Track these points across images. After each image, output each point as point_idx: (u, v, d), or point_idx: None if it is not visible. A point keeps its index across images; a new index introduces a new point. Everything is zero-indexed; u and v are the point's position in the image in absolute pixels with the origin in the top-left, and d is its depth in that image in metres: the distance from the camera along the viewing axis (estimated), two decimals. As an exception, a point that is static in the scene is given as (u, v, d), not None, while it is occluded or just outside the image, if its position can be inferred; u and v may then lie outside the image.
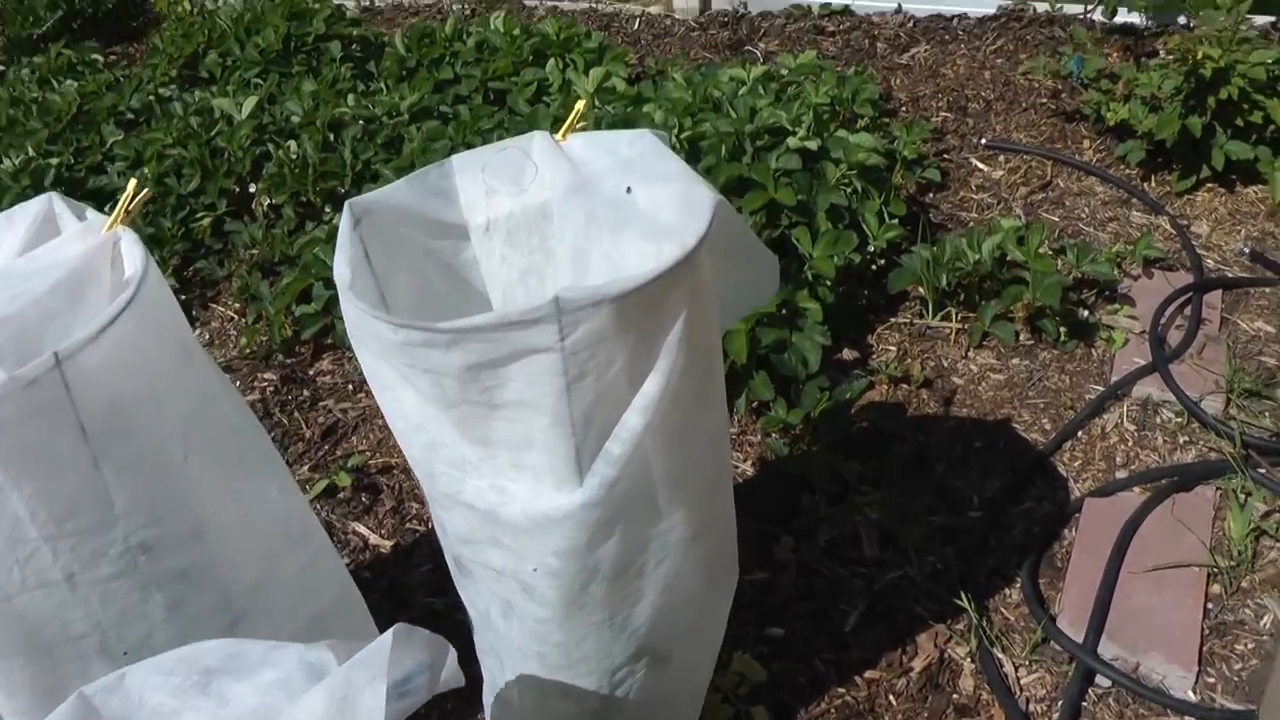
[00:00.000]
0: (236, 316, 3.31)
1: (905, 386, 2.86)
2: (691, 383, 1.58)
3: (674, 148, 3.08)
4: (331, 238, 3.02)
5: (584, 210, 1.66)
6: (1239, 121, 3.25)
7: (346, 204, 1.65)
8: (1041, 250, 2.92)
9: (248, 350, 3.09)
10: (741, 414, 2.75)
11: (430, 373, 1.51)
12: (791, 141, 3.14)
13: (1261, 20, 3.70)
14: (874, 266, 3.13)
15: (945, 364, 2.92)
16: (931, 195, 3.51)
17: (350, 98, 3.61)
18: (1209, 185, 3.42)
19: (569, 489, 1.58)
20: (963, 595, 2.37)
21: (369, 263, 1.68)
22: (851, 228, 3.07)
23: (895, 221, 3.13)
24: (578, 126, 1.79)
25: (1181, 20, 4.06)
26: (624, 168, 1.68)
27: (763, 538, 2.54)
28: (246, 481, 1.79)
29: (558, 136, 1.77)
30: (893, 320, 3.06)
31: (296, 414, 2.94)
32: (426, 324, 1.43)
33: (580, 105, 1.81)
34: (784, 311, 2.78)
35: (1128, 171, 3.51)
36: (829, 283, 2.88)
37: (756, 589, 2.44)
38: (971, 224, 3.38)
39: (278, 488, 1.84)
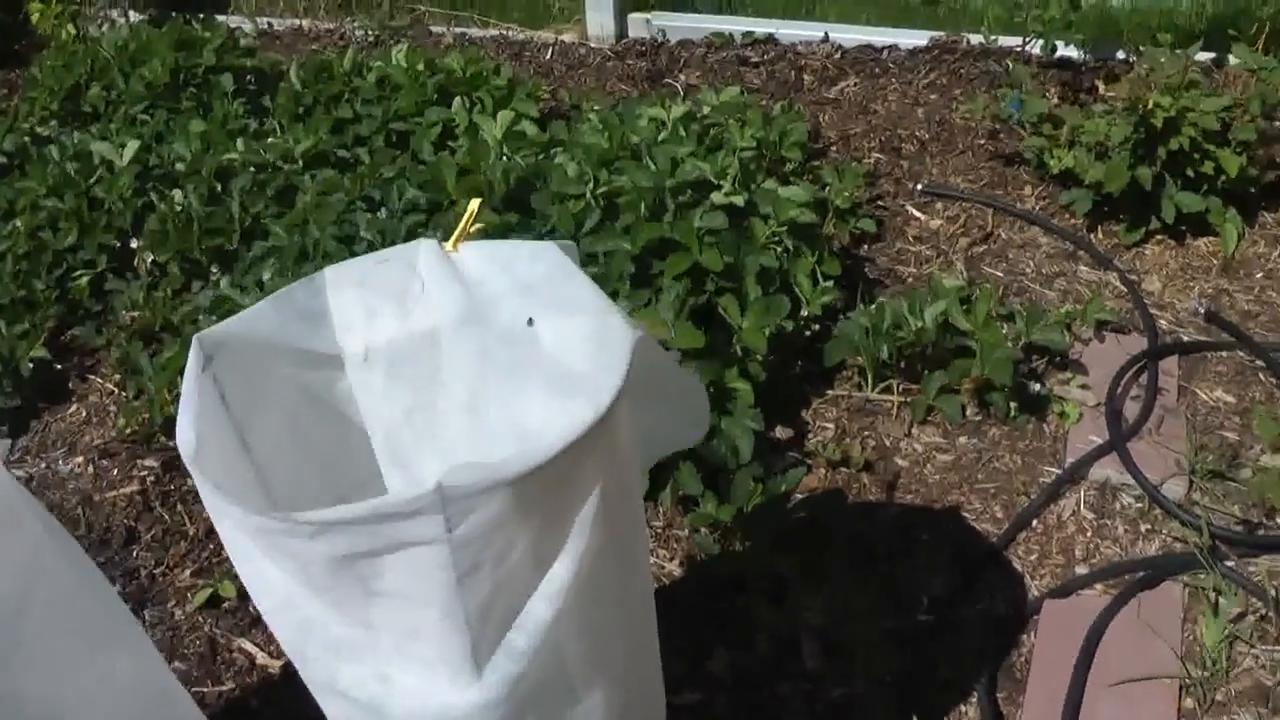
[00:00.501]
0: (117, 390, 3.00)
1: (845, 470, 2.62)
2: (610, 559, 1.32)
3: (588, 205, 2.83)
4: (216, 307, 2.73)
5: (478, 345, 1.40)
6: (1189, 172, 3.06)
7: (195, 340, 1.38)
8: (989, 317, 2.69)
9: (127, 431, 2.78)
10: (667, 506, 2.51)
11: (295, 558, 1.25)
12: (716, 197, 2.90)
13: (1203, 57, 3.50)
14: (808, 333, 2.89)
15: (888, 443, 2.69)
16: (866, 247, 3.29)
17: (240, 141, 3.31)
18: (1158, 237, 3.23)
19: (465, 683, 1.32)
20: (913, 717, 2.13)
21: (225, 406, 1.40)
22: (783, 290, 2.84)
23: (829, 284, 2.90)
24: (471, 230, 1.53)
25: (1120, 55, 3.86)
26: (525, 291, 1.42)
27: (695, 650, 2.29)
28: (91, 659, 1.51)
29: (448, 246, 1.50)
30: (829, 393, 2.82)
31: (180, 507, 2.65)
32: (285, 515, 1.17)
33: (473, 205, 1.55)
34: (712, 392, 2.53)
35: (1073, 221, 3.31)
36: (760, 358, 2.63)
37: (691, 715, 2.19)
38: (910, 278, 3.16)
39: (130, 658, 1.57)
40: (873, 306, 2.87)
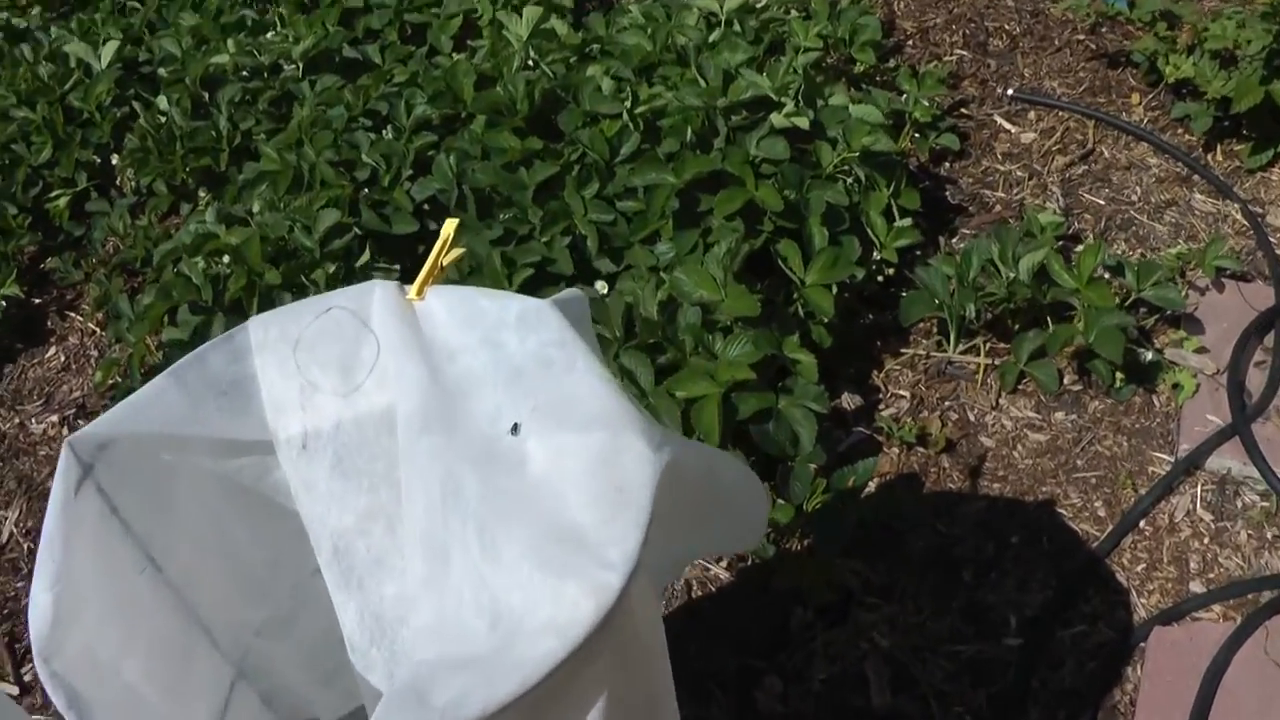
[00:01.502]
0: (98, 331, 2.65)
1: (922, 451, 2.24)
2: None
3: (625, 128, 2.41)
4: (199, 247, 2.35)
5: (441, 464, 1.02)
6: (1333, 87, 2.58)
7: (65, 445, 1.02)
8: (1097, 273, 2.27)
9: (104, 387, 2.44)
10: (714, 497, 2.13)
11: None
12: (776, 119, 2.47)
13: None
14: (881, 278, 2.49)
15: (972, 416, 2.30)
16: (949, 166, 2.85)
17: (232, 42, 2.88)
18: (1289, 160, 2.76)
19: None
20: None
21: (119, 521, 1.04)
22: (853, 230, 2.43)
23: (907, 222, 2.48)
24: (445, 265, 1.14)
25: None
26: (511, 378, 1.05)
27: (743, 677, 1.95)
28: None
29: (411, 292, 1.12)
30: (904, 352, 2.43)
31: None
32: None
33: (448, 230, 1.16)
34: (768, 367, 2.15)
35: (1188, 138, 2.84)
36: (827, 322, 2.24)
37: (733, 766, 1.86)
38: (998, 206, 2.73)
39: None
40: (956, 255, 2.45)
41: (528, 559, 0.92)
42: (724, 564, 2.12)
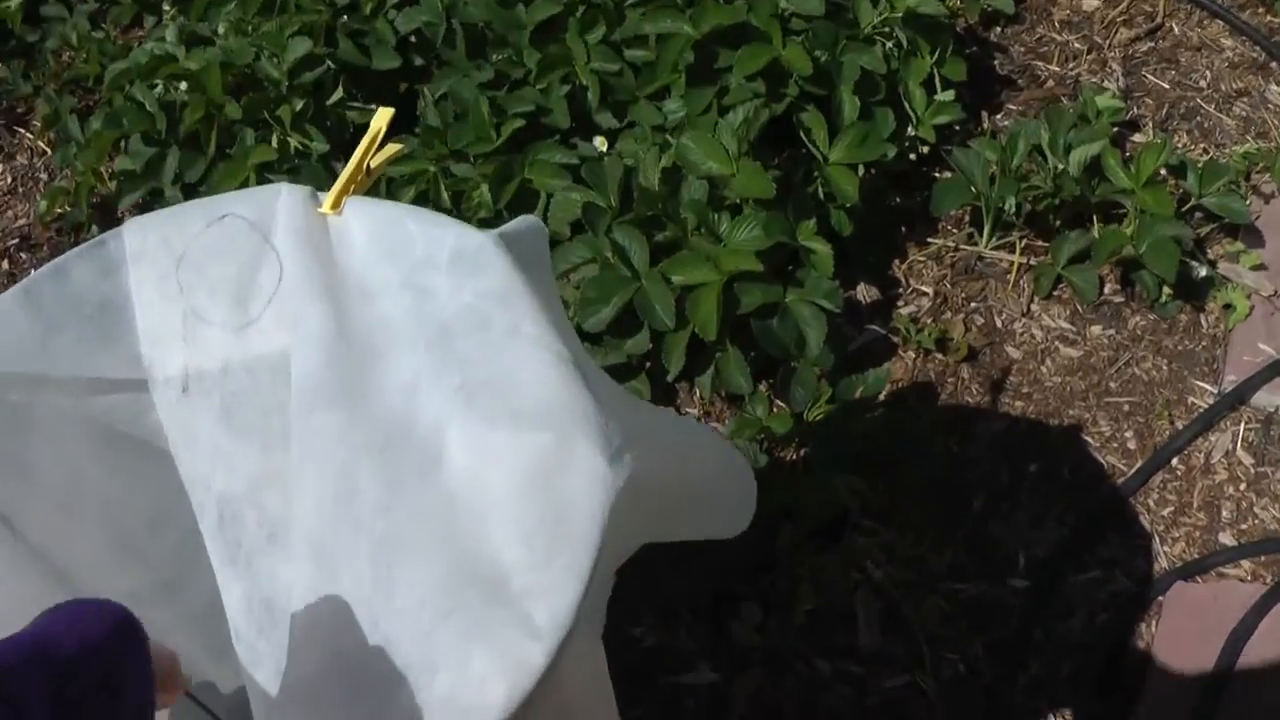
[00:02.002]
0: (50, 151, 2.41)
1: (940, 358, 2.02)
2: None
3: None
4: (152, 71, 2.09)
5: (337, 452, 0.80)
6: None
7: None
8: (1158, 175, 2.02)
9: (49, 218, 2.21)
10: (706, 394, 1.93)
11: None
12: (813, -32, 2.17)
13: None
14: (913, 156, 2.22)
15: (999, 322, 2.08)
16: (999, 31, 2.55)
17: None
18: (1381, 53, 2.46)
19: None
20: (991, 732, 1.63)
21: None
22: (886, 103, 2.16)
23: (950, 96, 2.21)
24: (373, 165, 0.91)
25: None
26: (438, 338, 0.81)
27: (719, 603, 1.77)
28: None
29: (325, 204, 0.88)
30: (931, 242, 2.19)
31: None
32: None
33: (382, 119, 0.92)
34: (778, 253, 1.91)
35: (1270, 20, 2.54)
36: (848, 207, 1.99)
37: (699, 704, 1.69)
38: (1050, 82, 2.45)
39: None
40: (1000, 136, 2.19)
41: (429, 605, 0.71)
42: (711, 470, 1.91)
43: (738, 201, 1.93)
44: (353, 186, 0.91)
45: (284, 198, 0.90)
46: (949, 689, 1.72)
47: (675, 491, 0.90)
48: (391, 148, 0.94)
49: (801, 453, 1.88)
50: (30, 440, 0.90)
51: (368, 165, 0.92)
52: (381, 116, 0.93)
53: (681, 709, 1.70)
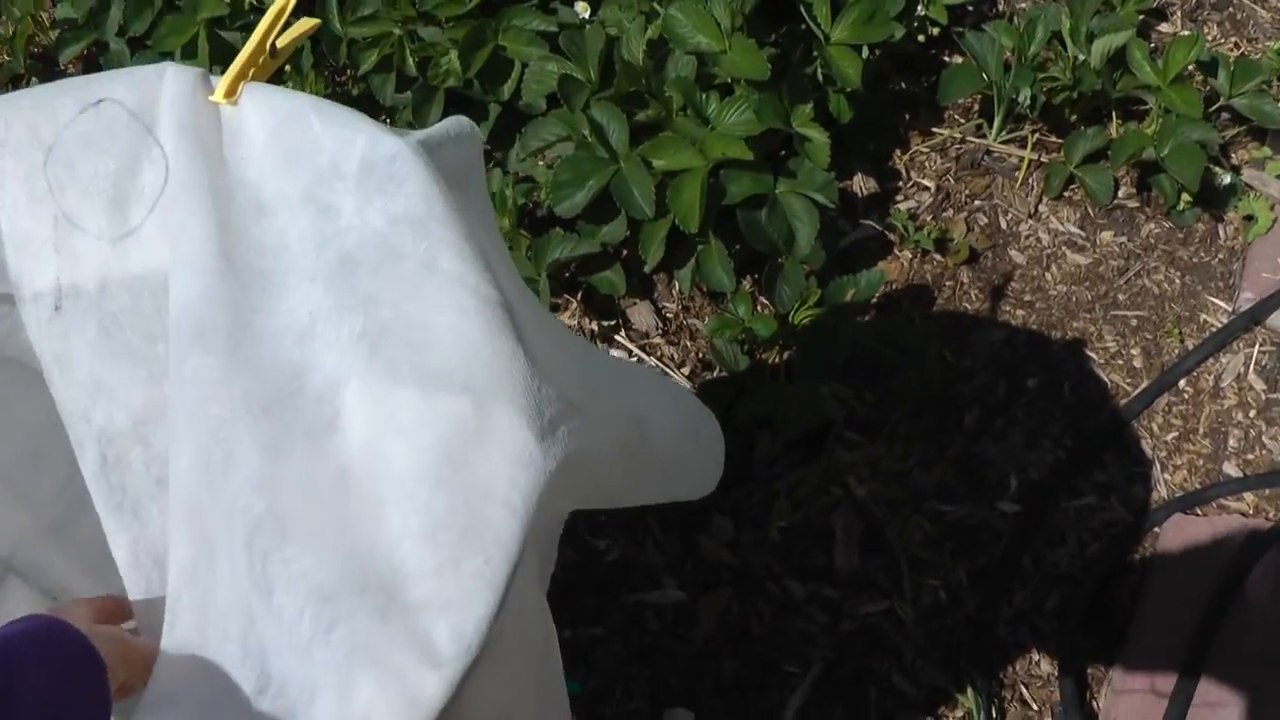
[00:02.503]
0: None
1: (939, 260, 1.87)
2: None
3: None
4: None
5: (214, 406, 0.65)
6: None
7: None
8: (1186, 71, 1.84)
9: (-12, 62, 2.03)
10: (685, 289, 1.78)
11: None
12: None
13: None
14: (922, 38, 2.04)
15: (1004, 223, 1.92)
16: (1022, -99, 2.34)
17: None
18: None
19: None
20: (969, 665, 1.52)
21: None
22: (898, -25, 1.96)
23: (965, -29, 2.01)
24: (276, 46, 0.75)
25: None
26: (338, 268, 0.66)
27: (688, 516, 1.64)
28: None
29: (218, 90, 0.72)
30: (936, 132, 2.01)
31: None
32: None
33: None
34: (769, 139, 1.75)
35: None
36: (849, 91, 1.81)
37: (663, 623, 1.57)
38: (1073, -40, 2.23)
39: None
40: (1018, 20, 2.00)
41: (310, 612, 0.57)
42: (684, 369, 1.77)
43: (728, 81, 1.76)
44: (252, 70, 0.75)
45: (170, 80, 0.73)
46: (928, 617, 1.60)
47: (629, 461, 0.76)
48: (304, 22, 0.78)
49: (784, 356, 1.74)
50: None
51: (273, 45, 0.76)
52: (284, -7, 0.76)
53: (644, 628, 1.58)
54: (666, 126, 1.72)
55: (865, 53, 1.86)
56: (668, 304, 1.82)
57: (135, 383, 0.76)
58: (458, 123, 0.73)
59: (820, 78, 1.85)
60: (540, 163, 1.79)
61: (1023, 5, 2.16)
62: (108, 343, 0.75)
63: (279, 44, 0.77)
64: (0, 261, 0.76)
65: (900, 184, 1.97)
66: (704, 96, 1.72)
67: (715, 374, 1.76)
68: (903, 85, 2.04)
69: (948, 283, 1.87)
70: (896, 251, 1.89)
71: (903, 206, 1.94)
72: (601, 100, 1.70)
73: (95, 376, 0.75)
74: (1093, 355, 1.80)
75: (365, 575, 0.58)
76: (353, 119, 0.70)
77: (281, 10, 0.76)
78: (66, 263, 0.74)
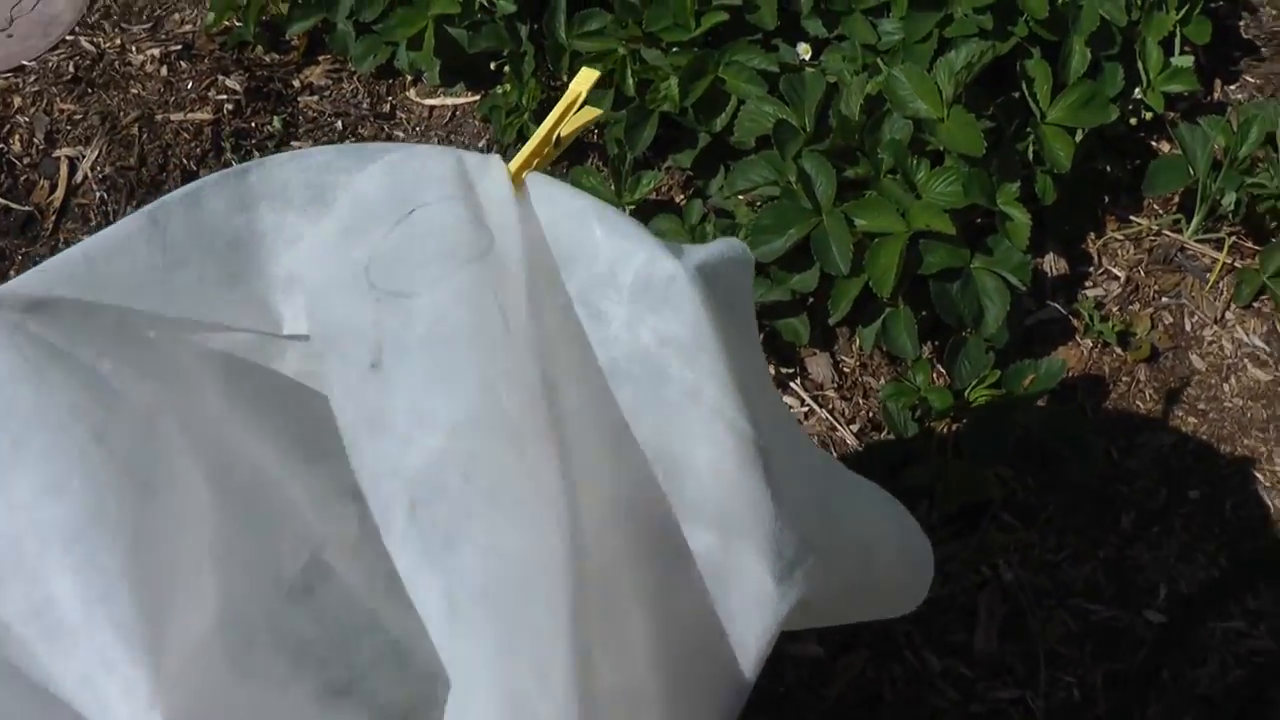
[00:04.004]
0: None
1: (1118, 353, 1.81)
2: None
3: None
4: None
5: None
6: None
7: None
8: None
9: (217, 29, 2.07)
10: (867, 347, 1.75)
11: None
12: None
13: None
14: (1134, 121, 1.98)
15: (1189, 324, 1.85)
16: (1252, -9, 2.26)
17: None
18: None
19: None
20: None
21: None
22: (1119, 59, 1.91)
23: (1189, 61, 1.95)
24: (564, 135, 0.76)
25: None
26: (605, 375, 0.65)
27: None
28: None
29: (509, 169, 0.72)
30: (1135, 220, 1.95)
31: (256, 155, 1.97)
32: None
33: (584, 81, 0.75)
34: (971, 216, 1.71)
35: None
36: (1056, 175, 1.77)
37: (799, 676, 1.56)
38: (1298, 60, 2.16)
39: None
40: (1232, 118, 1.93)
41: None
42: (854, 426, 1.75)
43: (940, 149, 1.72)
44: (536, 160, 0.74)
45: (477, 163, 0.73)
46: (1059, 713, 1.56)
47: (846, 589, 0.75)
48: (588, 112, 0.77)
49: (953, 429, 1.70)
50: (161, 377, 0.75)
51: (558, 135, 0.75)
52: (583, 79, 0.75)
53: (782, 678, 1.57)
54: (873, 186, 1.69)
55: (1079, 135, 1.81)
56: (846, 358, 1.79)
57: (466, 391, 0.67)
58: (731, 246, 0.72)
59: (1030, 155, 1.80)
60: (741, 202, 1.78)
61: (1238, 95, 2.08)
62: (433, 370, 0.69)
63: (563, 133, 0.76)
64: (266, 302, 0.76)
65: (1090, 269, 1.92)
66: (914, 162, 1.69)
67: (883, 435, 1.73)
68: (1107, 168, 1.98)
69: (1124, 378, 1.81)
70: (1078, 339, 1.84)
71: (1090, 293, 1.88)
72: (813, 152, 1.68)
73: (417, 410, 0.68)
74: (1260, 476, 1.73)
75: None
76: (634, 231, 0.69)
77: (573, 101, 0.75)
78: (388, 318, 0.71)
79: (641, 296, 0.67)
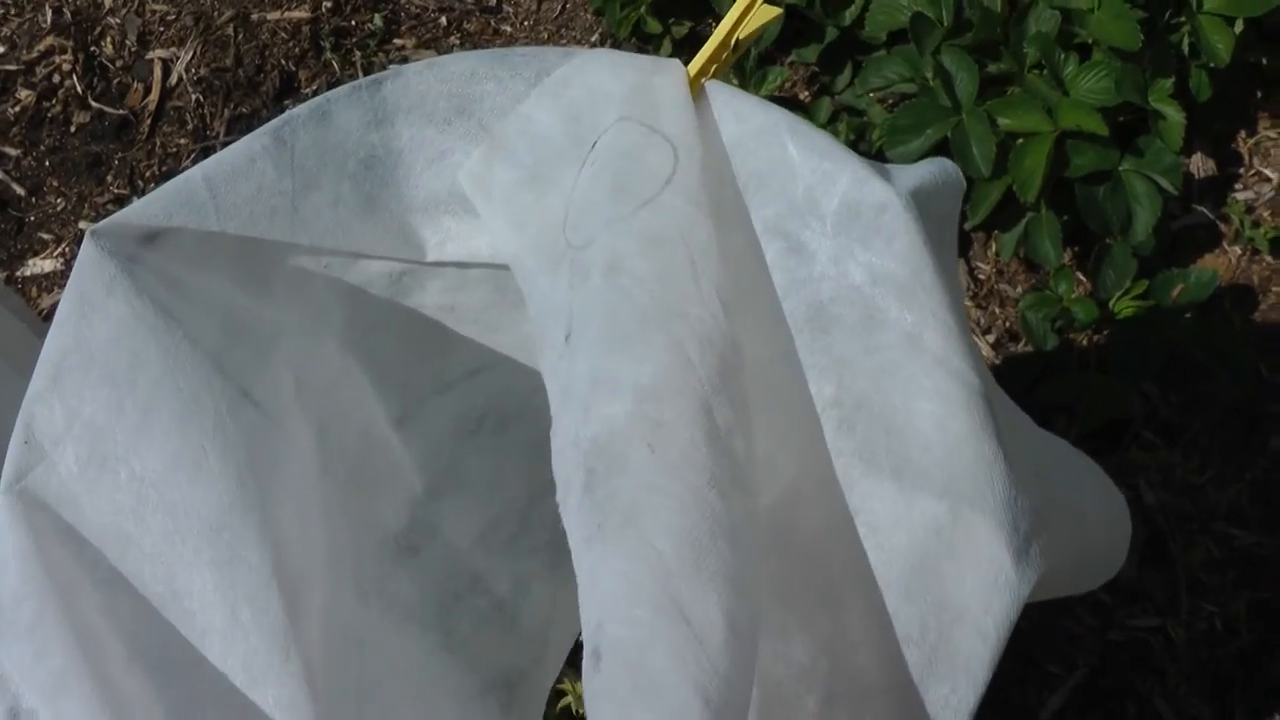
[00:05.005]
0: None
1: (1269, 262, 1.68)
2: None
3: None
4: None
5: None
6: None
7: (88, 238, 0.59)
8: None
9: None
10: (1005, 255, 1.63)
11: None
12: None
13: None
14: (1291, 15, 1.80)
15: (1347, 231, 1.71)
16: None
17: None
18: None
19: None
20: (1238, 704, 1.40)
21: (188, 340, 0.62)
22: (1281, -57, 1.73)
23: (1359, -54, 1.76)
24: (742, 38, 0.65)
25: None
26: (811, 319, 0.56)
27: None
28: None
29: (688, 72, 0.61)
30: (1290, 118, 1.79)
31: (356, 56, 1.87)
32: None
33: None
34: (1120, 117, 1.57)
35: None
36: (1212, 69, 1.62)
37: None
38: None
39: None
40: None
41: None
42: (989, 337, 1.64)
43: (1089, 42, 1.58)
44: (714, 66, 0.64)
45: (649, 72, 0.63)
46: (1200, 644, 1.47)
47: (1062, 561, 0.65)
48: (767, 11, 0.66)
49: (1094, 341, 1.59)
50: (274, 305, 0.67)
51: (736, 38, 0.64)
52: (757, -20, 0.64)
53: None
54: (1017, 83, 1.55)
55: (1239, 26, 1.65)
56: (982, 265, 1.68)
57: (655, 350, 0.56)
58: (943, 169, 0.61)
59: (1186, 48, 1.64)
60: (873, 100, 1.65)
61: None
62: (615, 328, 0.58)
63: (740, 36, 0.65)
64: (410, 230, 0.67)
65: (1241, 170, 1.77)
66: (1062, 56, 1.55)
67: (1020, 347, 1.62)
68: (1263, 60, 1.81)
69: (1274, 288, 1.68)
70: (1225, 246, 1.70)
71: (1240, 196, 1.74)
72: (953, 46, 1.54)
73: (596, 375, 0.58)
74: None
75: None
76: (834, 150, 0.59)
77: (752, 2, 0.64)
78: (575, 277, 0.61)
79: (848, 227, 0.57)
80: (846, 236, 0.57)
